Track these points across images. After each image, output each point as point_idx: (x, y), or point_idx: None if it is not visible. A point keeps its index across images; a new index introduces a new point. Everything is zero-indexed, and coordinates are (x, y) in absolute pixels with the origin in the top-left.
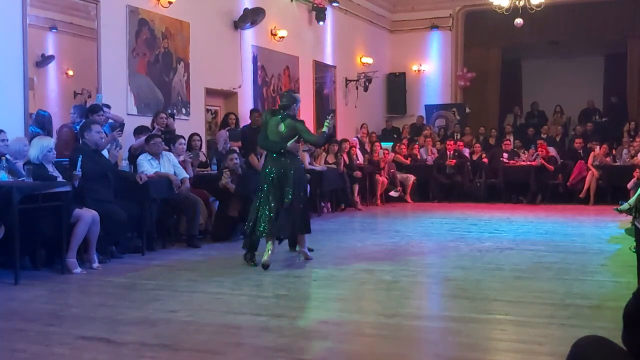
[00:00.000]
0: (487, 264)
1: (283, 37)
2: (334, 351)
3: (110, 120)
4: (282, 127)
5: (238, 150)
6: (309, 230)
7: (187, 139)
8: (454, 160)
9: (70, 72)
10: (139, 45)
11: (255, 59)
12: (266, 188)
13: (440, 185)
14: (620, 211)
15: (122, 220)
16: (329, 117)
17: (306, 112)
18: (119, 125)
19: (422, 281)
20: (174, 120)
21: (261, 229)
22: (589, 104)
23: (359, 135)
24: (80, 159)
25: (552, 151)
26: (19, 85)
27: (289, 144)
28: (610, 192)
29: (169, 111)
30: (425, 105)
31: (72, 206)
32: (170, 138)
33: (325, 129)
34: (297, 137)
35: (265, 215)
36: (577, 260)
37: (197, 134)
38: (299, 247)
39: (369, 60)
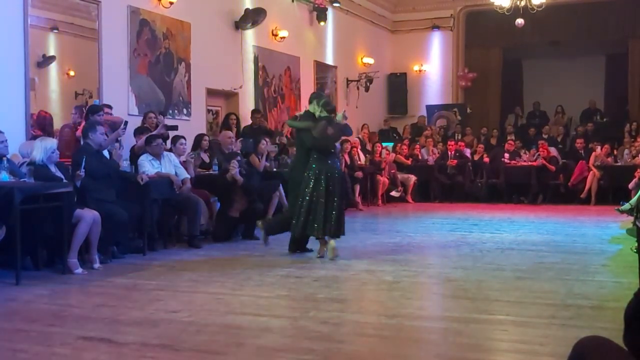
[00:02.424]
0: (488, 264)
1: (284, 37)
2: (335, 351)
3: (108, 122)
4: (330, 130)
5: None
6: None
7: (189, 139)
8: (455, 161)
9: (72, 73)
10: (140, 46)
11: (256, 60)
12: (315, 188)
13: (441, 186)
14: (622, 211)
15: (123, 220)
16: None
17: None
18: (123, 125)
19: (423, 281)
20: (164, 117)
21: (315, 228)
22: (591, 104)
23: (360, 136)
24: (84, 159)
25: (554, 151)
26: (20, 85)
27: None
28: (611, 192)
29: (169, 110)
30: (427, 106)
31: (73, 206)
32: (168, 136)
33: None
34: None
35: (321, 216)
36: (578, 261)
37: (207, 135)
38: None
39: (370, 60)
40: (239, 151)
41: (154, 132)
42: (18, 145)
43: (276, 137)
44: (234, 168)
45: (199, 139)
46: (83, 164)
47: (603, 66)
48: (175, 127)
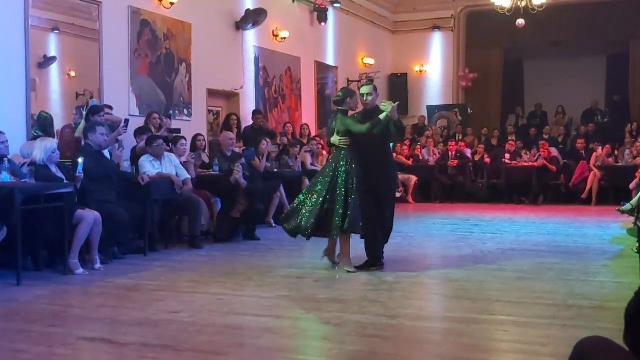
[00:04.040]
0: (489, 264)
1: (285, 38)
2: (336, 352)
3: (108, 122)
4: (333, 124)
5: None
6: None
7: (190, 139)
8: (456, 161)
9: (73, 73)
10: (141, 46)
11: (257, 60)
12: (321, 184)
13: (442, 186)
14: (623, 212)
15: (124, 221)
16: (387, 102)
17: (308, 112)
18: (123, 123)
19: (424, 282)
20: (171, 120)
21: (309, 225)
22: (593, 105)
23: None
24: (82, 161)
25: (554, 152)
26: (21, 86)
27: (332, 139)
28: (612, 192)
29: (170, 112)
30: (427, 106)
31: (74, 207)
32: (173, 138)
33: (383, 115)
34: (336, 131)
35: (316, 211)
36: (579, 261)
37: (202, 135)
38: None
39: (371, 61)
40: (240, 152)
41: (156, 134)
42: (19, 145)
43: (277, 138)
44: (238, 172)
45: (193, 139)
46: (80, 165)
47: (604, 67)
48: (178, 131)
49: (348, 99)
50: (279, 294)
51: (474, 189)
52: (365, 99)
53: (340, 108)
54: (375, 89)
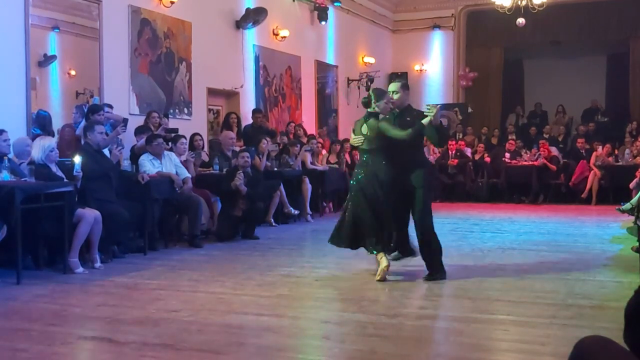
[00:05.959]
0: (489, 264)
1: (285, 36)
2: (336, 351)
3: (110, 120)
4: (364, 129)
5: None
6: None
7: (188, 138)
8: (456, 160)
9: (73, 72)
10: (141, 45)
11: (257, 59)
12: (354, 194)
13: (442, 185)
14: (622, 211)
15: (124, 220)
16: (431, 106)
17: (308, 112)
18: (122, 123)
19: (423, 281)
20: (168, 120)
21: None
22: (593, 104)
23: None
24: (79, 160)
25: (554, 151)
26: (21, 85)
27: (352, 141)
28: (612, 192)
29: (169, 111)
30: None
31: (74, 206)
32: (171, 137)
33: (426, 120)
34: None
35: (349, 225)
36: (579, 261)
37: (199, 134)
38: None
39: (371, 60)
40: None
41: (155, 133)
42: None
43: (277, 137)
44: (239, 180)
45: (191, 139)
46: (76, 165)
47: (604, 66)
48: (175, 130)
49: (377, 100)
50: (279, 292)
51: (474, 188)
52: (392, 97)
53: (369, 111)
54: (404, 86)
